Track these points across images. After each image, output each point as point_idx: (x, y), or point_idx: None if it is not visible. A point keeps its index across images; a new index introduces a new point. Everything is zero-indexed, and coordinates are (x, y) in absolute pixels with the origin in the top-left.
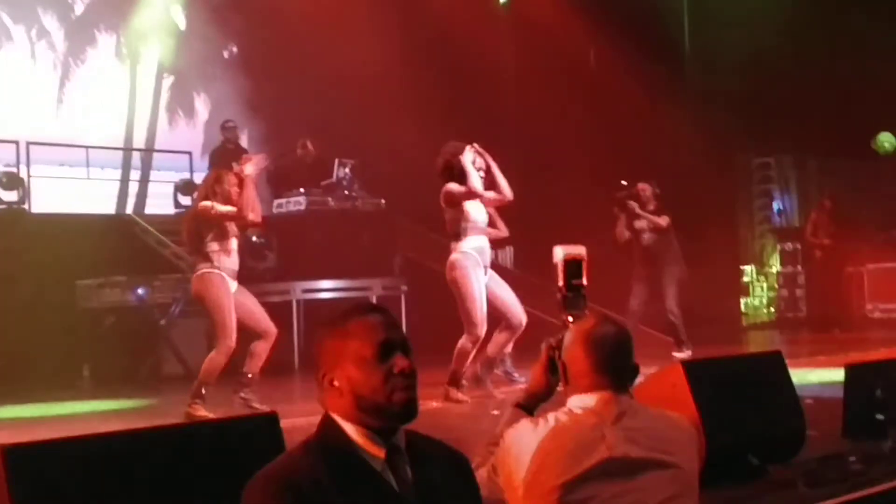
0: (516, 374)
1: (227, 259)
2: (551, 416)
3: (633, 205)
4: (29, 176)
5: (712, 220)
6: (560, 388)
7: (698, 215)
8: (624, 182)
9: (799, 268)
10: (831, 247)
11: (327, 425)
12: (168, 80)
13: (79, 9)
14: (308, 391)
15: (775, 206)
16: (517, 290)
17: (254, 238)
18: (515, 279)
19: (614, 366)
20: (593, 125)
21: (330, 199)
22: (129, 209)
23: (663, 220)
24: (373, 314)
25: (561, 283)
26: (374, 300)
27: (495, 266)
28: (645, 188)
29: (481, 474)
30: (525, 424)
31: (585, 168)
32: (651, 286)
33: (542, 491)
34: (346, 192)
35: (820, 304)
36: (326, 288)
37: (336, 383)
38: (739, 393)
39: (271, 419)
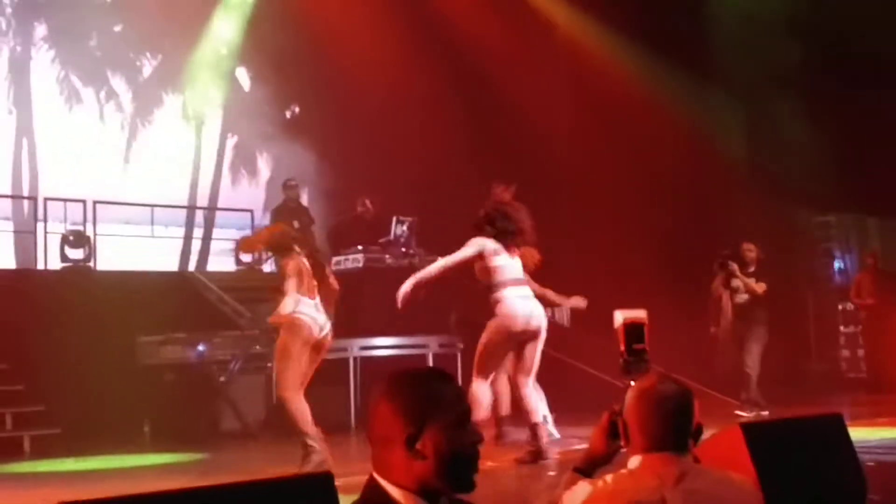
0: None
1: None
2: (609, 477)
3: (734, 266)
4: (95, 234)
5: (776, 280)
6: (623, 450)
7: (761, 274)
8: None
9: (860, 328)
10: (875, 306)
11: (373, 490)
12: (231, 140)
13: (146, 71)
14: (365, 450)
15: (836, 265)
16: (572, 349)
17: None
18: (571, 337)
19: (675, 425)
20: (656, 184)
21: (387, 256)
22: (192, 266)
23: (760, 288)
24: (452, 381)
25: (622, 347)
26: (431, 358)
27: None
28: (750, 248)
29: None
30: (582, 486)
31: (647, 225)
32: (736, 342)
33: None
34: (404, 249)
35: (877, 364)
36: (383, 345)
37: (419, 447)
38: (799, 455)
39: (326, 478)
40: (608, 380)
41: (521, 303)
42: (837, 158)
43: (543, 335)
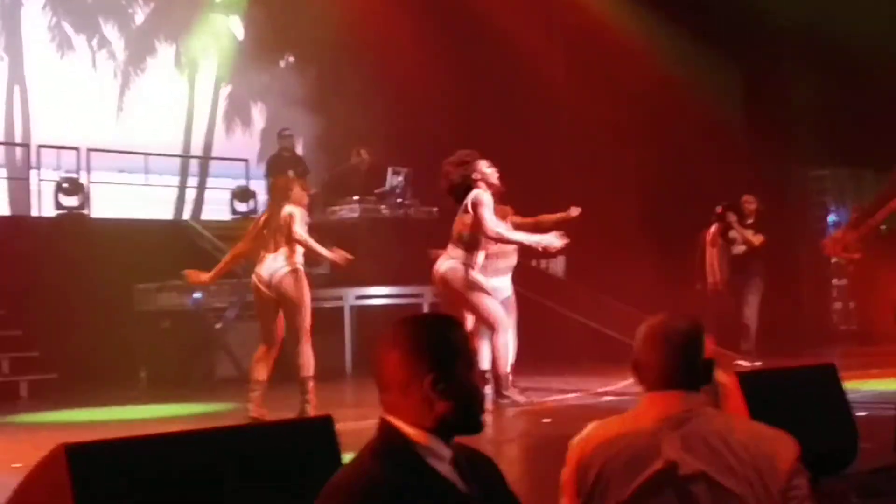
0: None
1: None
2: (613, 418)
3: (733, 217)
4: (89, 182)
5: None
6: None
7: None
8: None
9: (848, 281)
10: (863, 260)
11: (389, 431)
12: (225, 90)
13: (139, 19)
14: (361, 396)
15: (830, 218)
16: (568, 301)
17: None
18: (567, 289)
19: (682, 360)
20: (650, 137)
21: (383, 206)
22: (187, 215)
23: (757, 240)
24: (462, 327)
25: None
26: (426, 307)
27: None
28: (749, 200)
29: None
30: (591, 424)
31: (639, 179)
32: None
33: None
34: (399, 200)
35: (867, 317)
36: (379, 294)
37: (439, 389)
38: (793, 404)
39: (326, 421)
40: (596, 327)
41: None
42: (832, 112)
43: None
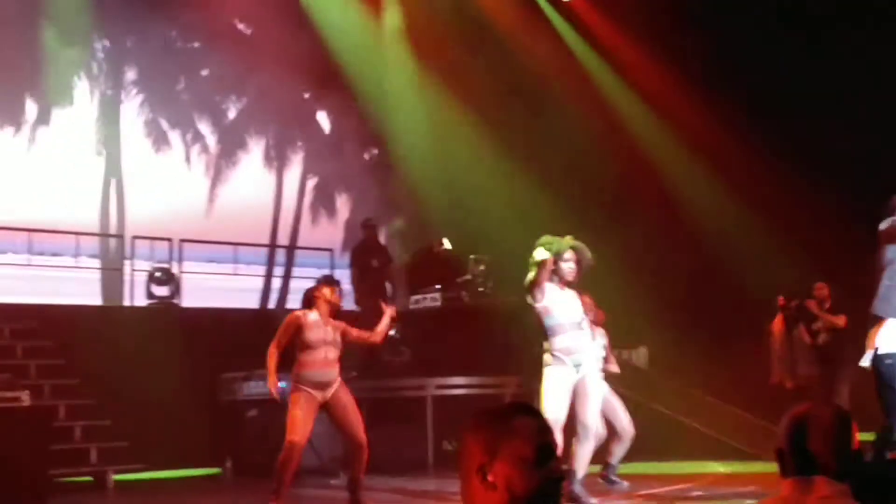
0: (617, 480)
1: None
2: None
3: (813, 304)
4: (181, 272)
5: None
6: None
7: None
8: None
9: None
10: None
11: None
12: (312, 181)
13: (231, 114)
14: (442, 487)
15: None
16: (650, 392)
17: (391, 333)
18: (649, 381)
19: (833, 449)
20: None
21: (465, 294)
22: (272, 304)
23: (840, 320)
24: (534, 415)
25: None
26: (508, 398)
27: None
28: (822, 287)
29: None
30: None
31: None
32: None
33: None
34: (481, 288)
35: None
36: (460, 384)
37: (490, 478)
38: None
39: None
40: (682, 420)
41: None
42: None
43: None
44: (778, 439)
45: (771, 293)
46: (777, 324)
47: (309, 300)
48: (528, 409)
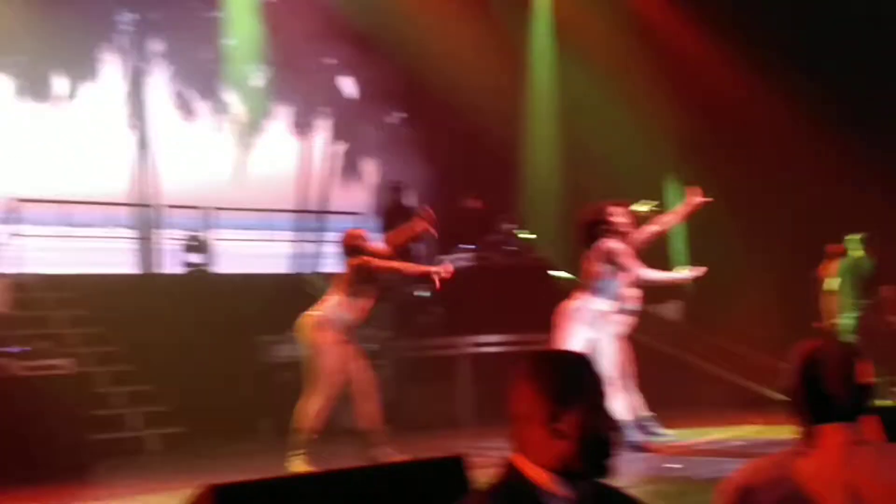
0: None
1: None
2: (772, 456)
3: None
4: (213, 239)
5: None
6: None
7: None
8: None
9: None
10: None
11: (511, 469)
12: (339, 146)
13: (258, 83)
14: (477, 444)
15: None
16: (686, 346)
17: (422, 294)
18: (684, 335)
19: (840, 391)
20: (768, 178)
21: (495, 254)
22: (305, 269)
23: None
24: (594, 366)
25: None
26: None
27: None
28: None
29: None
30: (760, 462)
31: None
32: None
33: None
34: (511, 247)
35: None
36: (494, 342)
37: (561, 426)
38: None
39: (457, 462)
40: (718, 372)
41: None
42: None
43: None
44: (788, 379)
45: (814, 242)
46: (826, 271)
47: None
48: (587, 359)
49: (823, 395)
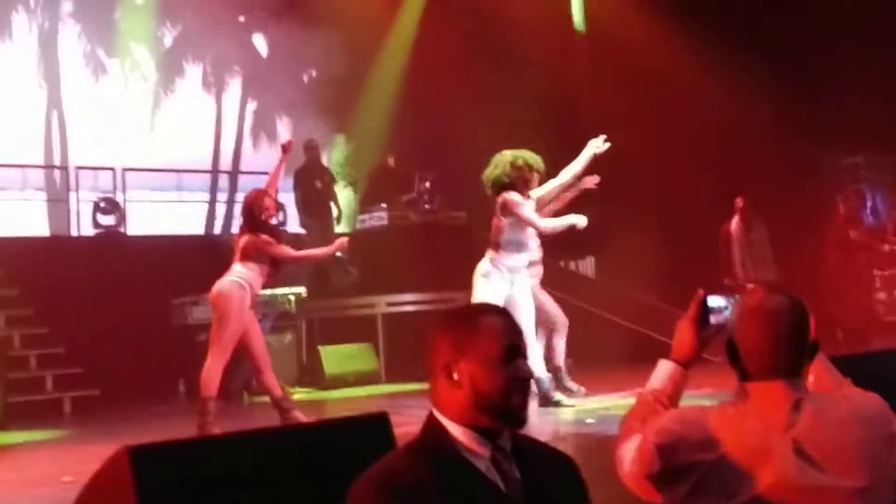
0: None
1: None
2: (712, 408)
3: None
4: (125, 200)
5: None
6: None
7: (791, 217)
8: None
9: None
10: None
11: (431, 426)
12: (251, 105)
13: (167, 41)
14: (395, 401)
15: (867, 206)
16: (599, 300)
17: (338, 254)
18: (597, 288)
19: (788, 347)
20: (675, 132)
21: (411, 213)
22: (217, 229)
23: None
24: (502, 316)
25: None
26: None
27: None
28: None
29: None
30: (692, 411)
31: (669, 177)
32: None
33: None
34: (428, 206)
35: None
36: (410, 301)
37: (456, 376)
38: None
39: (382, 419)
40: (629, 326)
41: None
42: (867, 98)
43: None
44: (730, 334)
45: (722, 195)
46: (735, 225)
47: None
48: (497, 308)
49: (769, 352)
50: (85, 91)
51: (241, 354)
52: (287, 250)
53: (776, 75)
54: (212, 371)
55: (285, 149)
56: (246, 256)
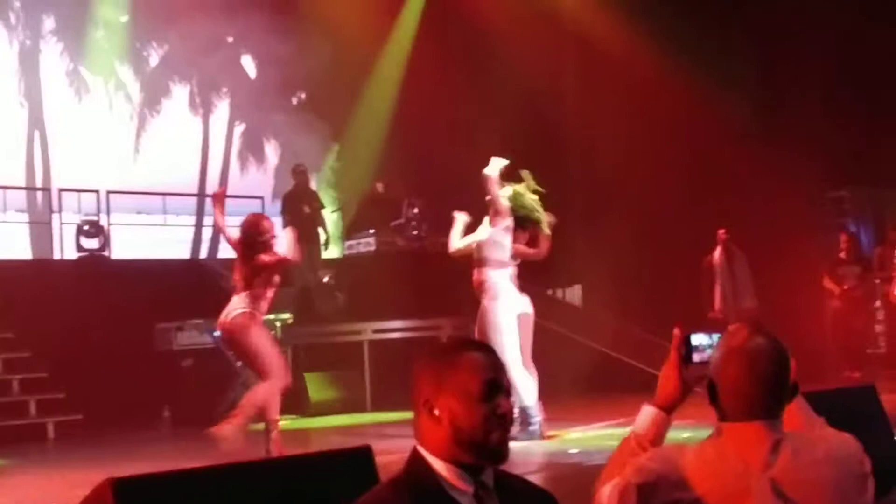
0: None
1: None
2: (690, 449)
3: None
4: (109, 224)
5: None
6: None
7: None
8: None
9: (878, 303)
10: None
11: (415, 461)
12: (239, 128)
13: (153, 61)
14: (380, 429)
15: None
16: (587, 329)
17: (325, 279)
18: (585, 318)
19: (769, 389)
20: (661, 162)
21: (399, 239)
22: (203, 254)
23: None
24: (483, 351)
25: None
26: (445, 340)
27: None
28: None
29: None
30: (671, 451)
31: (654, 206)
32: None
33: None
34: (416, 232)
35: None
36: (397, 328)
37: (436, 412)
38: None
39: (365, 452)
40: (616, 356)
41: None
42: (851, 132)
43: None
44: (711, 373)
45: (707, 227)
46: (717, 257)
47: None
48: (478, 344)
49: (749, 393)
50: (68, 110)
51: (230, 376)
52: (281, 254)
53: (761, 118)
54: (270, 392)
55: (216, 198)
56: (248, 284)
